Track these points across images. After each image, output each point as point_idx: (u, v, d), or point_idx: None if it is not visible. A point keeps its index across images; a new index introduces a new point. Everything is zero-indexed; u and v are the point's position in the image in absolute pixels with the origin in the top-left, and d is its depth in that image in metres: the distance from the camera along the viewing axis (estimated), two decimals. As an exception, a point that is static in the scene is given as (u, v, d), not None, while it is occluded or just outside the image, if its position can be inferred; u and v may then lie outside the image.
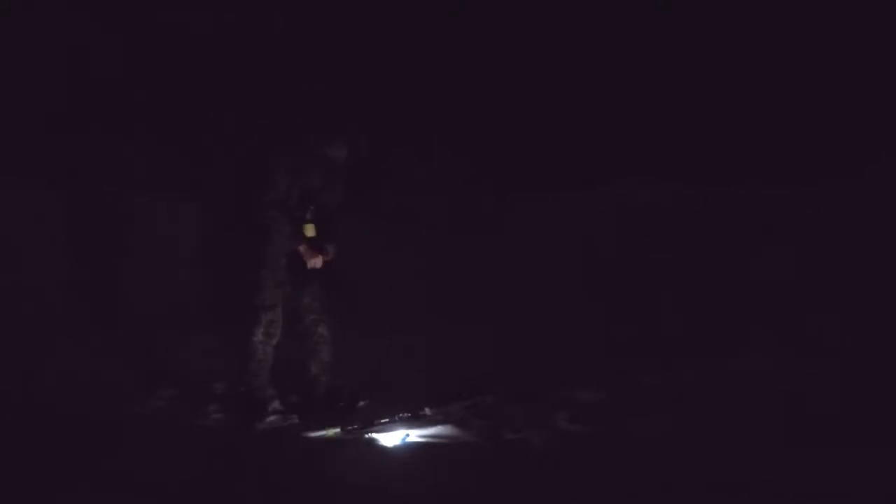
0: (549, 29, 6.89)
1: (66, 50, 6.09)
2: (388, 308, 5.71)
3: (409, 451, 3.60)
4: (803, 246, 5.54)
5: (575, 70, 6.80)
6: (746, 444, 3.40)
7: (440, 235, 6.38)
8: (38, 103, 5.87)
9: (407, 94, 6.61)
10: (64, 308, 5.32)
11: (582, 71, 6.78)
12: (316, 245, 4.08)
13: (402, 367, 4.86)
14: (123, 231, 5.76)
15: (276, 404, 4.04)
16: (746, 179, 6.18)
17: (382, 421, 3.87)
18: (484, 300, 5.78)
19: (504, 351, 5.04)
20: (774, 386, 4.16)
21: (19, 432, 3.58)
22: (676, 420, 3.78)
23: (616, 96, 6.68)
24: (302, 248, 4.04)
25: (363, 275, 5.62)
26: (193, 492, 3.02)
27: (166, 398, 4.39)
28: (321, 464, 3.37)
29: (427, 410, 3.98)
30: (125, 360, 4.79)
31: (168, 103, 6.17)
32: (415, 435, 3.76)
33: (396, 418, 3.89)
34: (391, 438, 3.72)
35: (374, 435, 3.76)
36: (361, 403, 4.23)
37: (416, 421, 3.91)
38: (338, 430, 3.82)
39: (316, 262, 4.06)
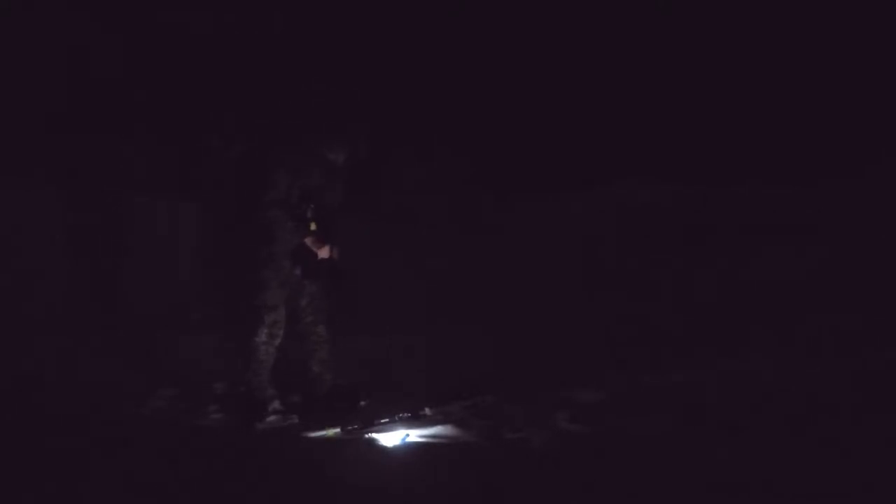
0: (549, 29, 6.89)
1: (66, 50, 6.09)
2: (388, 308, 5.71)
3: (409, 451, 3.60)
4: (803, 246, 5.54)
5: (575, 70, 6.80)
6: (746, 444, 3.40)
7: (440, 235, 6.38)
8: (38, 103, 5.87)
9: (407, 94, 6.61)
10: (64, 308, 5.32)
11: (582, 71, 6.78)
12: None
13: (402, 367, 4.86)
14: (123, 231, 5.76)
15: (276, 404, 4.04)
16: (746, 179, 6.19)
17: (382, 421, 3.87)
18: (484, 300, 5.78)
19: (504, 351, 5.04)
20: (774, 386, 4.16)
21: (19, 432, 3.57)
22: (676, 420, 3.78)
23: (616, 96, 6.68)
24: (308, 240, 4.04)
25: (363, 275, 5.62)
26: (193, 492, 3.02)
27: (166, 398, 4.39)
28: (321, 464, 3.36)
29: (427, 410, 3.98)
30: (125, 360, 4.79)
31: (168, 103, 6.17)
32: (415, 435, 3.76)
33: (396, 418, 3.89)
34: (391, 438, 3.71)
35: (374, 435, 3.76)
36: (362, 403, 4.23)
37: (416, 421, 3.90)
38: (338, 430, 3.82)
39: (325, 251, 4.06)
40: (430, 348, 5.11)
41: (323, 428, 3.86)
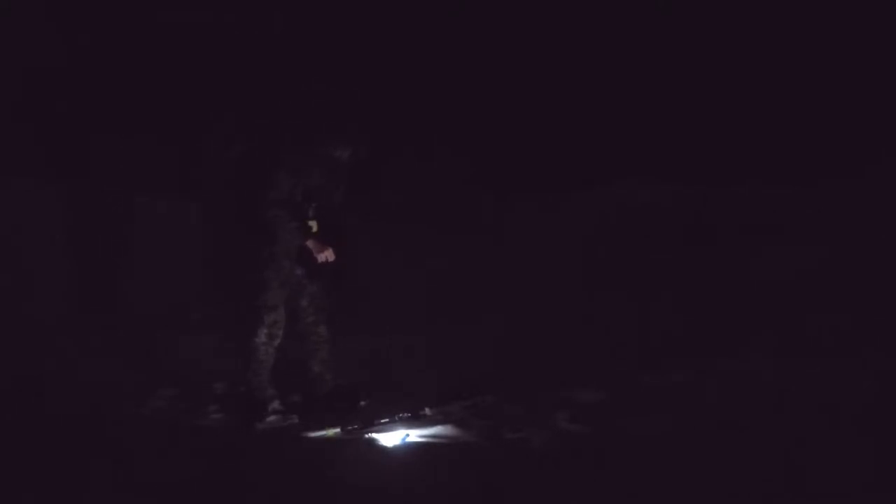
0: (549, 29, 6.89)
1: (67, 50, 6.09)
2: (388, 308, 5.71)
3: (409, 451, 3.60)
4: (803, 246, 5.54)
5: (575, 70, 6.80)
6: (746, 444, 3.40)
7: (440, 235, 6.38)
8: (38, 103, 5.87)
9: (407, 94, 6.61)
10: (64, 308, 5.32)
11: (582, 71, 6.78)
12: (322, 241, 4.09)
13: (402, 367, 4.87)
14: (123, 231, 5.76)
15: (276, 404, 4.04)
16: (746, 179, 6.19)
17: (382, 421, 3.87)
18: (484, 300, 5.78)
19: (504, 351, 5.04)
20: (775, 386, 4.16)
21: (19, 432, 3.58)
22: (676, 420, 3.78)
23: (616, 96, 6.68)
24: (311, 244, 4.04)
25: (363, 275, 5.63)
26: (193, 492, 3.02)
27: (166, 398, 4.39)
28: (321, 464, 3.36)
29: (427, 410, 3.98)
30: (125, 360, 4.79)
31: (168, 103, 6.17)
32: (415, 435, 3.76)
33: (396, 418, 3.89)
34: (391, 438, 3.72)
35: (374, 435, 3.76)
36: (362, 403, 4.23)
37: (416, 421, 3.91)
38: (338, 430, 3.83)
39: (328, 254, 4.06)
40: (430, 348, 5.11)
41: (323, 428, 3.86)
